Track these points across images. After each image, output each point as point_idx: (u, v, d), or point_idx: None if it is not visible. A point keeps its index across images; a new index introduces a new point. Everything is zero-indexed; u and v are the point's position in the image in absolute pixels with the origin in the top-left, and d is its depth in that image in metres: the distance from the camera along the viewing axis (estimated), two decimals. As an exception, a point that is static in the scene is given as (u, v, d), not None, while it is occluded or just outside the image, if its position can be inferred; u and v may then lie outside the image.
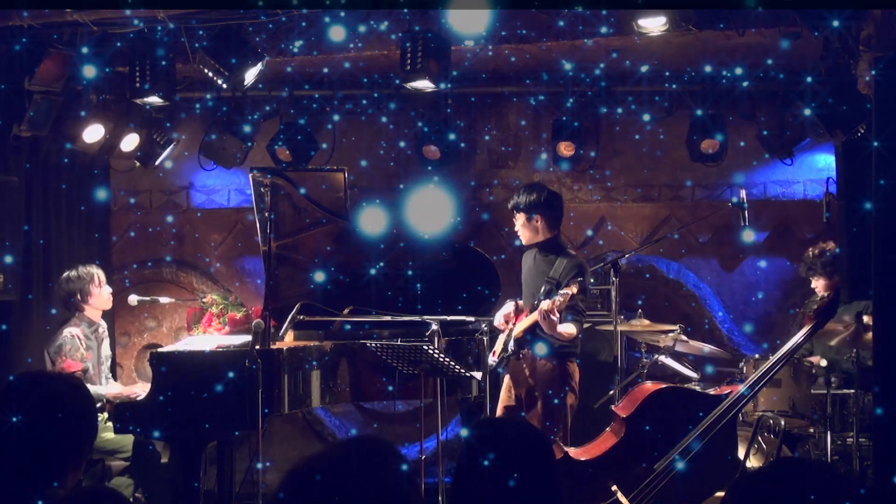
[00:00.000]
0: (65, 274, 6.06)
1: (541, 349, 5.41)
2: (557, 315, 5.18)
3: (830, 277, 6.20)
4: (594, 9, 5.66)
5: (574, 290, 5.11)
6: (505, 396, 5.66)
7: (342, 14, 5.80)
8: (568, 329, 5.34)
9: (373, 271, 6.11)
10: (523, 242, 5.69)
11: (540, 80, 7.20)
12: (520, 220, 5.62)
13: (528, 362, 5.47)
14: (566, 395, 5.39)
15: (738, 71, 6.74)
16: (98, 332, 6.08)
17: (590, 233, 7.93)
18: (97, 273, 6.06)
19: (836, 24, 5.19)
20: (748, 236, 6.95)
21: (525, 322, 5.40)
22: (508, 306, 5.67)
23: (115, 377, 6.63)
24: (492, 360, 5.51)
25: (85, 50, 6.05)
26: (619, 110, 7.56)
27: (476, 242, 6.27)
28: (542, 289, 5.46)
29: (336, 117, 7.67)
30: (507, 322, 5.60)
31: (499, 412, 5.60)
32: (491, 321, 5.69)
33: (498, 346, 5.56)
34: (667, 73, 7.07)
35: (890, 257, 4.78)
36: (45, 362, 5.96)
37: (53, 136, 6.60)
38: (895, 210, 4.74)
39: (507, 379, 5.66)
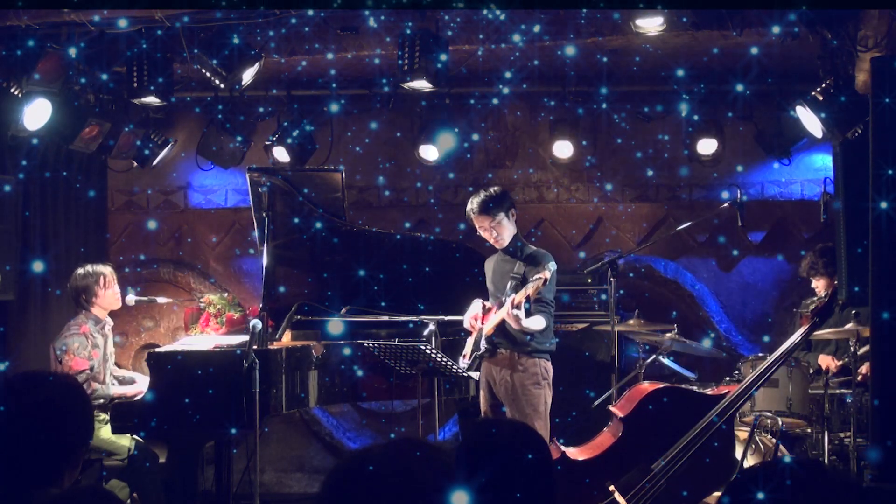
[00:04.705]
0: (77, 270, 6.05)
1: (513, 346, 5.34)
2: (523, 311, 5.10)
3: (832, 277, 6.19)
4: (594, 9, 5.66)
5: (547, 274, 5.00)
6: (486, 397, 5.57)
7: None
8: (536, 323, 5.24)
9: (370, 271, 6.12)
10: (494, 244, 5.54)
11: (537, 80, 7.20)
12: (484, 223, 5.45)
13: (501, 362, 5.40)
14: (541, 394, 5.34)
15: (736, 71, 6.75)
16: (104, 329, 6.07)
17: (587, 233, 7.94)
18: (105, 273, 6.02)
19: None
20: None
21: (495, 318, 5.30)
22: (476, 306, 5.54)
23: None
24: (463, 362, 5.42)
25: (76, 49, 6.06)
26: (617, 110, 7.56)
27: (473, 242, 6.27)
28: (508, 285, 5.35)
29: (334, 117, 7.67)
30: (475, 321, 5.50)
31: (486, 413, 5.55)
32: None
33: (468, 349, 5.48)
34: (664, 74, 7.07)
35: (889, 257, 4.78)
36: (50, 357, 5.95)
37: (51, 136, 6.60)
38: (893, 211, 4.74)
39: (482, 380, 5.53)
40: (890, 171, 4.44)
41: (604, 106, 7.48)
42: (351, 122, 7.91)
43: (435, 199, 7.98)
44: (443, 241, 6.64)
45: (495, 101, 7.65)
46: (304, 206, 5.94)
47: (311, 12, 5.89)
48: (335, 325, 5.86)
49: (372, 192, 8.06)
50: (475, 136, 7.95)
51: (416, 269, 6.18)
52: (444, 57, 5.89)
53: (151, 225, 8.23)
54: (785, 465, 1.84)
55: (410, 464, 1.79)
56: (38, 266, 6.74)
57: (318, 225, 6.01)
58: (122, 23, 5.79)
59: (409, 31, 5.80)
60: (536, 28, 5.99)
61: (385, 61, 6.65)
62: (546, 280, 5.03)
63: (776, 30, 5.67)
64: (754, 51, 6.26)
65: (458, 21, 6.06)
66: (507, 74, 7.02)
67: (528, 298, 5.11)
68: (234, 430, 5.17)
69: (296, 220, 6.02)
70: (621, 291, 7.33)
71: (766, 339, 7.54)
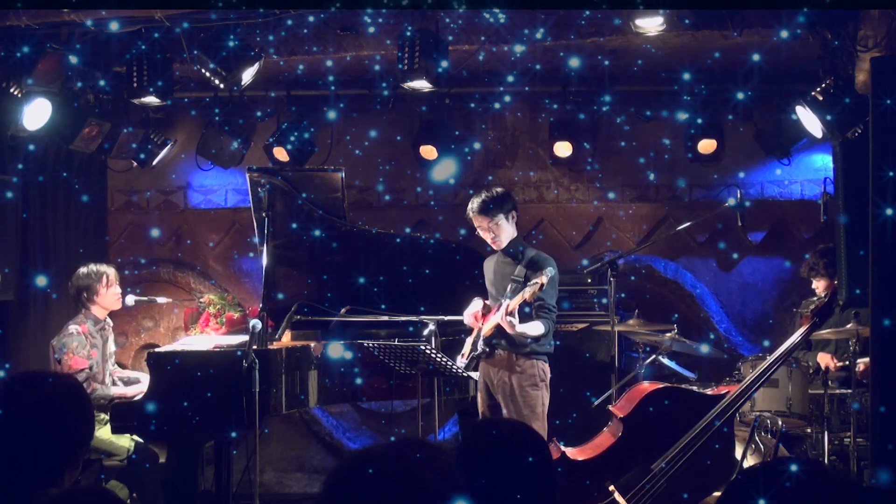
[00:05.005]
0: (78, 269, 6.06)
1: (511, 347, 5.32)
2: (517, 317, 5.11)
3: (832, 278, 6.19)
4: (594, 9, 5.66)
5: (544, 279, 4.99)
6: (484, 397, 5.55)
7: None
8: (535, 329, 5.23)
9: (370, 272, 6.11)
10: (492, 246, 5.51)
11: (537, 80, 7.20)
12: (482, 223, 5.43)
13: (499, 363, 5.39)
14: (539, 395, 5.32)
15: (736, 71, 6.75)
16: (104, 329, 6.08)
17: (587, 233, 7.93)
18: (107, 272, 6.03)
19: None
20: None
21: (493, 320, 5.28)
22: (476, 304, 5.51)
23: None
24: (461, 361, 5.40)
25: (76, 49, 6.06)
26: (617, 110, 7.56)
27: (472, 242, 6.26)
28: (509, 287, 5.33)
29: (333, 117, 7.67)
30: (475, 320, 5.48)
31: (484, 414, 5.54)
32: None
33: (466, 348, 5.47)
34: (664, 74, 7.07)
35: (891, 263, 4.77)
36: (49, 356, 5.95)
37: (50, 135, 6.60)
38: (892, 211, 4.73)
39: (480, 381, 5.53)
40: (891, 174, 4.44)
41: (604, 109, 7.47)
42: (351, 123, 7.90)
43: (435, 200, 7.98)
44: (443, 242, 6.63)
45: (495, 102, 7.65)
46: (304, 207, 5.94)
47: (311, 19, 5.90)
48: (335, 325, 5.84)
49: (371, 192, 8.05)
50: (475, 137, 7.95)
51: (416, 270, 6.18)
52: (444, 59, 5.89)
53: (151, 225, 8.23)
54: (784, 465, 1.84)
55: (412, 465, 1.79)
56: (41, 280, 6.73)
57: (318, 225, 6.01)
58: (114, 25, 5.79)
59: (409, 32, 5.80)
60: (539, 33, 5.99)
61: (385, 62, 6.65)
62: (542, 285, 5.01)
63: (784, 34, 5.67)
64: (754, 52, 6.27)
65: (459, 22, 6.05)
66: (510, 79, 7.03)
67: (525, 302, 5.11)
68: (233, 431, 5.18)
69: (296, 221, 6.02)
70: (622, 295, 7.33)
71: (765, 339, 7.54)
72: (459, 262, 6.24)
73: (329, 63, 6.81)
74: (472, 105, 7.77)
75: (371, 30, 6.15)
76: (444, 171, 7.44)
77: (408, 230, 7.85)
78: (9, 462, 2.37)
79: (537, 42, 6.14)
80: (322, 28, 6.18)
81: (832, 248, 6.16)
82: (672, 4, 5.52)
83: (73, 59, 6.13)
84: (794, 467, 1.79)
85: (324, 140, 7.79)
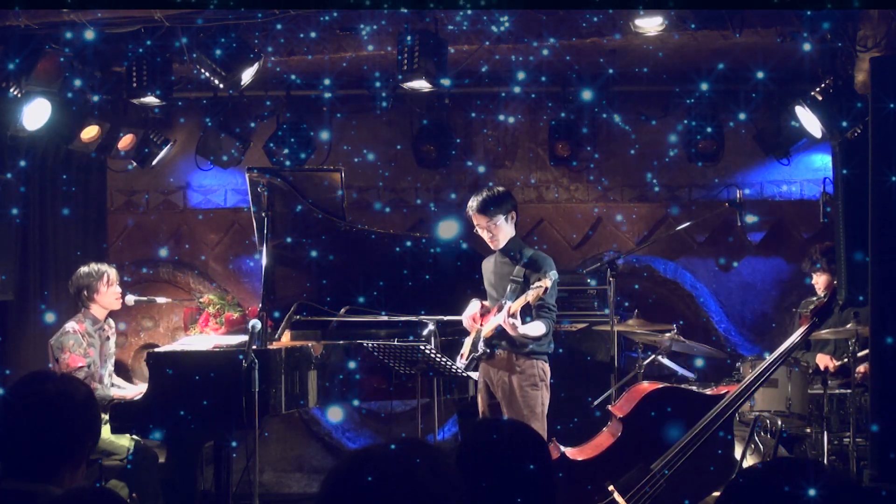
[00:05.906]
0: (79, 268, 6.07)
1: (511, 347, 5.31)
2: (520, 319, 5.12)
3: (833, 274, 6.18)
4: (593, 9, 5.66)
5: (548, 283, 4.98)
6: (483, 397, 5.54)
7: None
8: (536, 329, 5.21)
9: (370, 272, 6.11)
10: (490, 245, 5.49)
11: (537, 81, 7.20)
12: (481, 221, 5.42)
13: (499, 363, 5.38)
14: (538, 395, 5.30)
15: (735, 71, 6.75)
16: (103, 329, 6.09)
17: (586, 234, 7.93)
18: (108, 272, 6.05)
19: (827, 24, 5.20)
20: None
21: (494, 321, 5.27)
22: (474, 306, 5.51)
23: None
24: (461, 362, 5.39)
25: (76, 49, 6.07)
26: (617, 110, 7.55)
27: (471, 243, 6.25)
28: (509, 288, 5.33)
29: (333, 117, 7.66)
30: (473, 322, 5.47)
31: (483, 414, 5.53)
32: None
33: (466, 348, 5.46)
34: (664, 74, 7.07)
35: (888, 256, 4.78)
36: (48, 355, 5.96)
37: (50, 135, 6.59)
38: (892, 212, 4.74)
39: (480, 381, 5.52)
40: (893, 178, 4.44)
41: (605, 115, 7.46)
42: (350, 125, 7.90)
43: (434, 201, 7.97)
44: (444, 243, 6.62)
45: (495, 103, 7.64)
46: (303, 207, 5.93)
47: (313, 34, 5.90)
48: (335, 325, 5.83)
49: (370, 193, 8.05)
50: (474, 137, 7.94)
51: (416, 271, 6.17)
52: (444, 60, 5.89)
53: (151, 225, 8.23)
54: (784, 465, 1.84)
55: (410, 465, 1.79)
56: (37, 266, 6.72)
57: (318, 225, 6.01)
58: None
59: (409, 32, 5.80)
60: (540, 36, 5.99)
61: (385, 62, 6.65)
62: (546, 289, 5.00)
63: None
64: (754, 52, 6.27)
65: (459, 21, 6.05)
66: (510, 81, 7.03)
67: (528, 305, 5.10)
68: (233, 431, 5.18)
69: (295, 221, 6.02)
70: (626, 303, 7.32)
71: (765, 339, 7.54)
72: (460, 264, 6.23)
73: (328, 63, 6.80)
74: (473, 110, 7.76)
75: (372, 27, 6.14)
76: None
77: (408, 242, 7.82)
78: (12, 460, 2.37)
79: (538, 43, 6.14)
80: (322, 29, 6.18)
81: (834, 248, 6.17)
82: (672, 5, 5.51)
83: (73, 58, 6.13)
84: (790, 463, 1.78)
85: (323, 140, 7.79)
